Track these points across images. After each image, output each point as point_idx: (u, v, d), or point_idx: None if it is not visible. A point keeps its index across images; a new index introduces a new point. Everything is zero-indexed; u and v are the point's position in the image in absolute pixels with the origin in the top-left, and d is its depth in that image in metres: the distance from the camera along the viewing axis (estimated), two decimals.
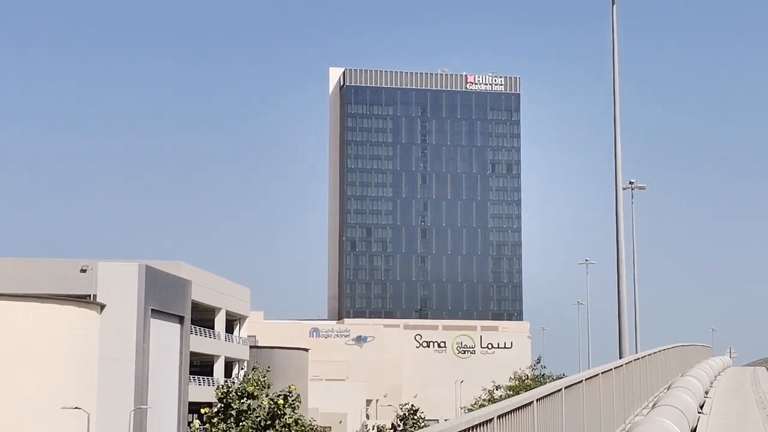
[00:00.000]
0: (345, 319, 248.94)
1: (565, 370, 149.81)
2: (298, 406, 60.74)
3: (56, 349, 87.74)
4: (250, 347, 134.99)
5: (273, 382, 65.12)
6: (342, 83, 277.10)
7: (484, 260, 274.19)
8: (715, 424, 32.90)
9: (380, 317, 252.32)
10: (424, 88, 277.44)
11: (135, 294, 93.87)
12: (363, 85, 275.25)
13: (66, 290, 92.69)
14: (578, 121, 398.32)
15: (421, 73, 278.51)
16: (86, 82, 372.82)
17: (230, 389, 60.01)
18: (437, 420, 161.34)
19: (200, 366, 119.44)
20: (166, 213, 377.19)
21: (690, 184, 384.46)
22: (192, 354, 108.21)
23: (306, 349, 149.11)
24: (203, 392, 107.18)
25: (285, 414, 59.53)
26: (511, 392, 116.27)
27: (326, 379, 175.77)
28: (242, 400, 59.27)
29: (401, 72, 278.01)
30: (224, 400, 59.95)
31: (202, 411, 64.77)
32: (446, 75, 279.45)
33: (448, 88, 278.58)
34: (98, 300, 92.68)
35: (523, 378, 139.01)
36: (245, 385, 60.37)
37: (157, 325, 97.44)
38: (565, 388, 19.43)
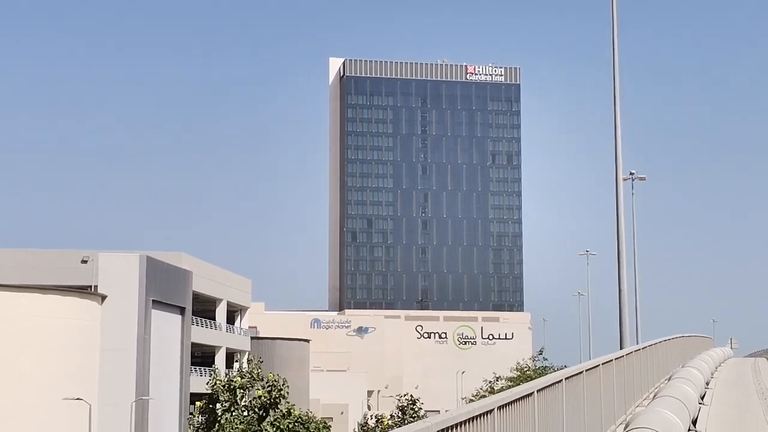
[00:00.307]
0: (346, 310, 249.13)
1: (566, 361, 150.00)
2: (287, 393, 60.89)
3: (57, 340, 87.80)
4: (251, 338, 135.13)
5: (274, 372, 65.29)
6: (342, 74, 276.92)
7: (484, 251, 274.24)
8: (716, 415, 32.96)
9: (381, 308, 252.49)
10: (424, 78, 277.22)
11: (136, 285, 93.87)
12: (363, 75, 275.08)
13: (67, 281, 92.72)
14: (578, 111, 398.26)
15: (421, 64, 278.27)
16: (87, 75, 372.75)
17: (217, 382, 60.23)
18: (438, 411, 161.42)
19: (201, 357, 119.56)
20: (167, 204, 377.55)
21: (691, 175, 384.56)
22: (193, 345, 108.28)
23: (307, 340, 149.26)
24: (204, 383, 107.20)
25: (279, 403, 59.73)
26: (512, 383, 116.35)
27: (327, 370, 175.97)
28: (231, 392, 59.47)
29: (401, 62, 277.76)
30: (213, 394, 60.24)
31: (198, 403, 65.04)
32: (446, 65, 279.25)
33: (449, 79, 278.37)
34: (99, 291, 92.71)
35: (525, 369, 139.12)
36: (237, 376, 60.62)
37: (158, 316, 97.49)
38: (566, 379, 19.47)
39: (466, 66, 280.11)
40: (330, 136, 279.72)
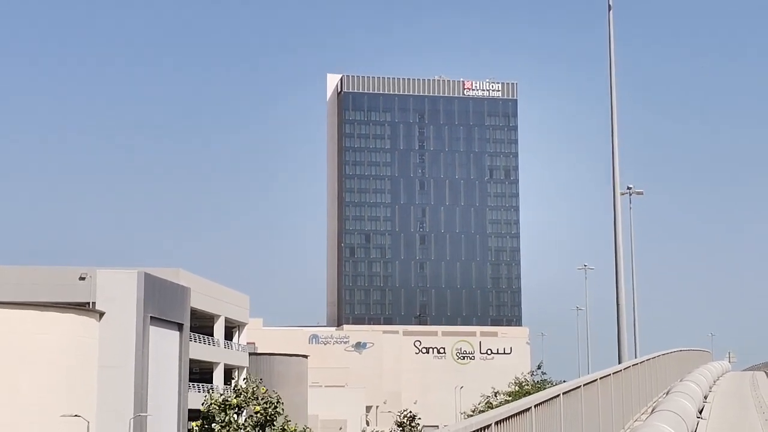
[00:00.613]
0: (344, 326, 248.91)
1: (565, 376, 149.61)
2: (281, 411, 60.77)
3: (56, 357, 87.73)
4: (250, 354, 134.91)
5: (272, 389, 65.17)
6: (340, 90, 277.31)
7: (482, 266, 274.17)
8: (714, 429, 32.95)
9: (379, 323, 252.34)
10: (421, 94, 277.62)
11: (134, 301, 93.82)
12: (361, 91, 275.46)
13: (65, 298, 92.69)
14: (576, 126, 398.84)
15: (419, 80, 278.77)
16: (83, 89, 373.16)
17: (212, 403, 60.06)
18: (437, 426, 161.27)
19: (200, 373, 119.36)
20: (165, 220, 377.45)
21: (689, 189, 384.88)
22: (191, 361, 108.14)
23: (305, 356, 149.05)
24: (202, 400, 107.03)
25: (274, 420, 59.63)
26: (510, 398, 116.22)
27: (326, 386, 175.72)
28: (227, 412, 59.32)
29: (399, 78, 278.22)
30: (208, 414, 60.08)
31: (194, 424, 64.91)
32: (443, 81, 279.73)
33: (446, 94, 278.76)
34: (97, 307, 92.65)
35: (523, 384, 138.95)
36: (233, 396, 60.46)
37: (156, 332, 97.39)
38: (564, 393, 19.48)
39: (463, 81, 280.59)
40: (328, 151, 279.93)
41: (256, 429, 59.91)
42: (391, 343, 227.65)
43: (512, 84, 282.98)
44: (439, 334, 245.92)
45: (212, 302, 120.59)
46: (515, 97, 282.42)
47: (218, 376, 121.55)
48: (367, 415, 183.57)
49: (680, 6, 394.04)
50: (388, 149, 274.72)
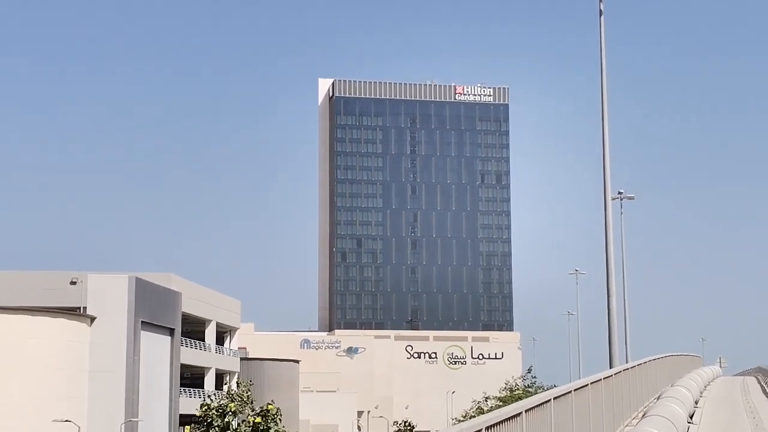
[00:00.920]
0: (336, 331, 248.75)
1: (556, 380, 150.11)
2: (279, 420, 60.79)
3: (46, 362, 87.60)
4: (241, 359, 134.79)
5: (264, 394, 65.24)
6: (331, 94, 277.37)
7: (474, 271, 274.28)
8: None
9: (371, 328, 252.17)
10: (413, 98, 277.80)
11: (125, 306, 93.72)
12: (352, 96, 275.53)
13: (56, 302, 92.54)
14: (567, 130, 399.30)
15: (410, 84, 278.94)
16: (73, 94, 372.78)
17: (210, 407, 60.03)
18: (428, 431, 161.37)
19: (191, 378, 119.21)
20: (156, 225, 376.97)
21: (679, 193, 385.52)
22: (182, 366, 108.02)
23: (297, 361, 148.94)
24: (194, 404, 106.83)
25: (269, 428, 59.62)
26: (501, 403, 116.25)
27: (317, 391, 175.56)
28: (225, 418, 59.30)
29: (390, 83, 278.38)
30: (205, 419, 60.05)
31: (186, 429, 64.94)
32: (435, 86, 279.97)
33: (437, 99, 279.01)
34: (88, 312, 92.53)
35: (514, 388, 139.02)
36: (228, 402, 60.45)
37: (147, 337, 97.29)
38: (554, 398, 19.50)
39: (454, 86, 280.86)
40: (319, 156, 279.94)
41: None
42: (382, 348, 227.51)
43: (503, 89, 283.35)
44: (430, 339, 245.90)
45: (204, 307, 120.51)
46: (506, 102, 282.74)
47: (209, 381, 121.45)
48: (358, 420, 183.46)
49: (672, 4, 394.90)
50: (380, 154, 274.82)
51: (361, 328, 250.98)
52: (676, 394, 33.76)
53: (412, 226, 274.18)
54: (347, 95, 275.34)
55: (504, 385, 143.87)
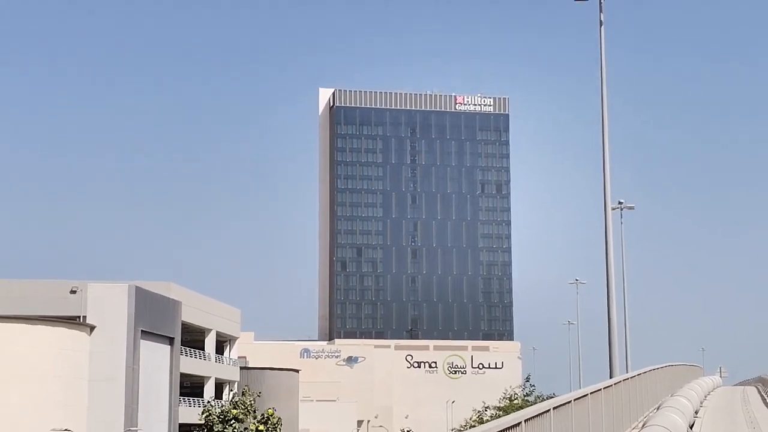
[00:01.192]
0: (336, 340, 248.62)
1: (556, 390, 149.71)
2: (279, 429, 60.82)
3: (46, 371, 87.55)
4: (241, 368, 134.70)
5: (264, 403, 65.20)
6: (332, 104, 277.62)
7: (474, 280, 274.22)
8: None
9: (371, 337, 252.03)
10: (413, 108, 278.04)
11: (125, 315, 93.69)
12: (352, 105, 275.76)
13: (56, 311, 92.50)
14: (567, 140, 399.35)
15: (411, 94, 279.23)
16: (72, 102, 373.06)
17: (212, 413, 60.10)
18: None
19: (190, 387, 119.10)
20: (156, 234, 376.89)
21: (678, 201, 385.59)
22: (182, 375, 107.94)
23: (296, 370, 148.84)
24: (193, 414, 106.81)
25: None
26: (501, 413, 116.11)
27: (317, 400, 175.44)
28: (226, 424, 59.35)
29: (390, 93, 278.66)
30: (207, 424, 60.13)
31: None
32: (435, 96, 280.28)
33: (438, 109, 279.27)
34: (88, 321, 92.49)
35: (513, 398, 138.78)
36: (230, 407, 60.51)
37: (146, 346, 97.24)
38: (554, 408, 19.47)
39: (455, 96, 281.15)
40: (320, 165, 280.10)
41: None
42: (382, 358, 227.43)
43: (504, 99, 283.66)
44: (430, 349, 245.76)
45: (203, 316, 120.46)
46: (507, 112, 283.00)
47: (209, 390, 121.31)
48: (358, 430, 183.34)
49: (672, 12, 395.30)
50: (380, 163, 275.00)
51: (361, 338, 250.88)
52: (676, 404, 33.72)
53: (413, 236, 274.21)
54: (348, 105, 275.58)
55: (503, 395, 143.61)
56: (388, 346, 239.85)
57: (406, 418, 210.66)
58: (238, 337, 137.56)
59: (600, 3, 46.21)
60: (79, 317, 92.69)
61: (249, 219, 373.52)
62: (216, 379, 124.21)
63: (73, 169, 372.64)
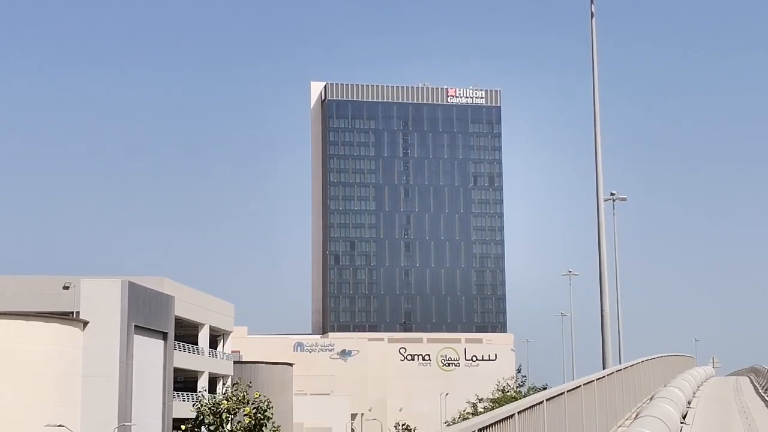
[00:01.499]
0: (329, 333, 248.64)
1: (549, 382, 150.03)
2: (271, 415, 60.77)
3: (39, 366, 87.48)
4: (234, 363, 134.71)
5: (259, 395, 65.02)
6: (323, 97, 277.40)
7: (467, 273, 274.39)
8: None
9: (364, 331, 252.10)
10: (405, 101, 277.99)
11: (118, 310, 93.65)
12: (344, 99, 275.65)
13: (49, 307, 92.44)
14: (559, 132, 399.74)
15: (403, 87, 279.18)
16: (66, 99, 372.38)
17: (203, 405, 60.04)
18: None
19: (184, 382, 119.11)
20: (149, 229, 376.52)
21: (671, 193, 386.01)
22: (176, 370, 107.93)
23: (290, 364, 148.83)
24: (187, 408, 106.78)
25: (264, 426, 59.60)
26: (495, 404, 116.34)
27: (311, 394, 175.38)
28: (217, 416, 59.29)
29: (382, 86, 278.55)
30: (198, 417, 60.12)
31: (182, 427, 64.89)
32: (427, 88, 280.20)
33: (430, 102, 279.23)
34: (81, 317, 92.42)
35: (505, 389, 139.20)
36: (222, 400, 60.45)
37: (140, 341, 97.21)
38: (547, 400, 19.49)
39: (446, 89, 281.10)
40: (312, 159, 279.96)
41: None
42: (376, 351, 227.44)
43: (496, 91, 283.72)
44: (424, 341, 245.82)
45: (197, 311, 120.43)
46: (499, 104, 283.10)
47: (203, 384, 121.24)
48: (352, 423, 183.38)
49: (664, 2, 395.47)
50: (373, 156, 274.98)
51: (355, 331, 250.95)
52: (669, 395, 33.78)
53: (405, 229, 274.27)
54: (339, 98, 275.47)
55: (496, 387, 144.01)
56: (382, 340, 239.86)
57: (399, 410, 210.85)
58: (231, 332, 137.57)
59: None
60: (72, 313, 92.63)
61: (242, 214, 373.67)
62: (210, 373, 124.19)
63: (66, 164, 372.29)
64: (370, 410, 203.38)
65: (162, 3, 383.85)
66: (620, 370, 34.75)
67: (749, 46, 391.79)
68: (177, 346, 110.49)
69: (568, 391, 22.18)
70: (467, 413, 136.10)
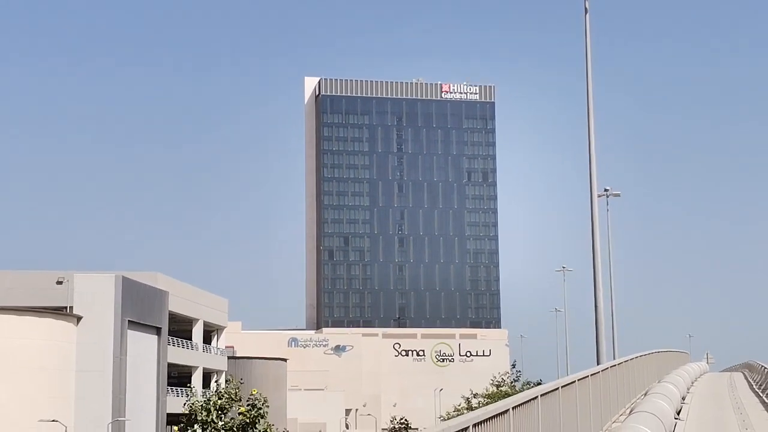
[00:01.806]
0: (323, 329, 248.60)
1: (544, 377, 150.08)
2: (266, 413, 60.66)
3: (33, 362, 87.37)
4: (228, 358, 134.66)
5: (252, 391, 64.91)
6: (318, 93, 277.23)
7: (461, 268, 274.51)
8: (692, 430, 33.06)
9: (359, 326, 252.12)
10: (399, 97, 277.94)
11: (112, 305, 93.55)
12: (339, 94, 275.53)
13: (42, 302, 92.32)
14: (553, 128, 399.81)
15: (397, 83, 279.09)
16: (57, 93, 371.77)
17: (194, 403, 59.90)
18: (416, 429, 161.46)
19: (178, 377, 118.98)
20: (143, 224, 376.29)
21: (665, 189, 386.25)
22: (170, 365, 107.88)
23: (284, 359, 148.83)
24: (181, 403, 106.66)
25: (257, 423, 59.49)
26: (489, 400, 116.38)
27: (305, 389, 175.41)
28: (210, 413, 59.15)
29: (377, 81, 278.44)
30: (190, 415, 59.98)
31: (175, 429, 64.84)
32: (421, 84, 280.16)
33: (424, 97, 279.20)
34: (75, 312, 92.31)
35: (500, 384, 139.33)
36: (215, 397, 60.31)
37: (134, 336, 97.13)
38: (541, 395, 19.48)
39: (441, 84, 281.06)
40: (306, 154, 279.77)
41: (238, 431, 59.78)
42: (370, 346, 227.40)
43: (490, 87, 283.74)
44: (418, 337, 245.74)
45: (191, 306, 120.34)
46: (493, 100, 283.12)
47: (197, 380, 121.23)
48: (346, 419, 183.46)
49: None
50: (367, 152, 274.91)
51: (349, 326, 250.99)
52: (663, 391, 33.80)
53: (399, 224, 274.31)
54: (334, 94, 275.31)
55: (491, 382, 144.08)
56: (376, 335, 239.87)
57: (394, 406, 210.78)
58: (225, 327, 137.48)
59: None
60: (66, 308, 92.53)
61: (236, 209, 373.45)
62: (204, 368, 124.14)
63: (59, 160, 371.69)
64: (364, 406, 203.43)
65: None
66: (614, 365, 34.76)
67: (747, 42, 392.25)
68: (171, 341, 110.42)
69: (562, 386, 22.17)
70: (462, 408, 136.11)
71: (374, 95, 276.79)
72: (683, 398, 41.68)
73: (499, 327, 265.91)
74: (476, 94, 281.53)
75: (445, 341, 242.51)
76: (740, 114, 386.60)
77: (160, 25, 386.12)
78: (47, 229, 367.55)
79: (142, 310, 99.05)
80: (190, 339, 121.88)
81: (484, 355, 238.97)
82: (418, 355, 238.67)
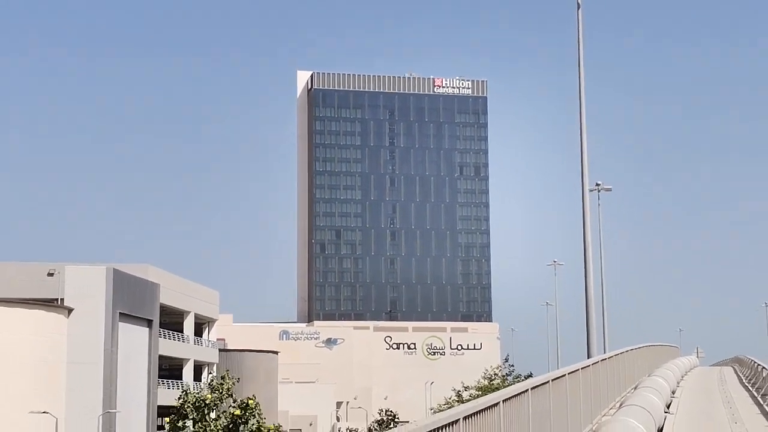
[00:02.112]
0: (315, 322, 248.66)
1: (534, 371, 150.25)
2: (258, 414, 60.65)
3: (23, 354, 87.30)
4: (219, 350, 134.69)
5: (242, 385, 65.09)
6: (310, 87, 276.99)
7: (452, 262, 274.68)
8: (682, 424, 33.16)
9: (350, 319, 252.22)
10: (391, 91, 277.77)
11: (103, 298, 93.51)
12: (331, 88, 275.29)
13: (33, 294, 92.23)
14: (545, 122, 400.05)
15: (389, 77, 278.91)
16: (49, 86, 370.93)
17: (186, 400, 59.87)
18: (407, 422, 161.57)
19: (169, 369, 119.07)
20: (134, 216, 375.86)
21: (656, 183, 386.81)
22: (161, 357, 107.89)
23: (276, 352, 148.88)
24: (172, 396, 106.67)
25: (248, 421, 59.46)
26: (480, 393, 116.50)
27: (296, 382, 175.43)
28: (199, 411, 59.12)
29: (369, 75, 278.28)
30: (180, 410, 59.94)
31: (166, 420, 64.76)
32: (414, 78, 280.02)
33: (416, 92, 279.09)
34: (66, 304, 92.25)
35: (491, 377, 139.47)
36: (206, 394, 60.28)
37: (125, 328, 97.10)
38: (532, 388, 19.54)
39: (433, 79, 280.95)
40: (298, 148, 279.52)
41: (230, 427, 59.73)
42: (361, 339, 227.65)
43: (482, 81, 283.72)
44: (409, 330, 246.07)
45: (182, 298, 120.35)
46: (485, 95, 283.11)
47: (188, 372, 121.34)
48: (337, 411, 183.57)
49: None
50: (359, 146, 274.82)
51: (340, 319, 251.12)
52: (653, 384, 33.92)
53: (391, 218, 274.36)
54: (326, 88, 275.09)
55: (482, 375, 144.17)
56: (367, 328, 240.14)
57: (385, 399, 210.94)
58: (216, 320, 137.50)
59: None
60: (56, 300, 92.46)
61: (227, 202, 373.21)
62: (195, 361, 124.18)
63: (50, 152, 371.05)
64: (355, 398, 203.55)
65: None
66: (605, 359, 34.83)
67: (740, 37, 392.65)
68: (162, 333, 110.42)
69: (552, 380, 22.24)
70: (453, 401, 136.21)
71: (367, 89, 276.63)
72: (673, 392, 41.81)
73: (490, 321, 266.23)
74: (468, 88, 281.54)
75: (436, 335, 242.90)
76: (732, 110, 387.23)
77: (150, 21, 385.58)
78: (38, 221, 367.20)
79: (133, 302, 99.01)
80: (181, 331, 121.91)
81: (475, 349, 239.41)
82: (409, 348, 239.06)
